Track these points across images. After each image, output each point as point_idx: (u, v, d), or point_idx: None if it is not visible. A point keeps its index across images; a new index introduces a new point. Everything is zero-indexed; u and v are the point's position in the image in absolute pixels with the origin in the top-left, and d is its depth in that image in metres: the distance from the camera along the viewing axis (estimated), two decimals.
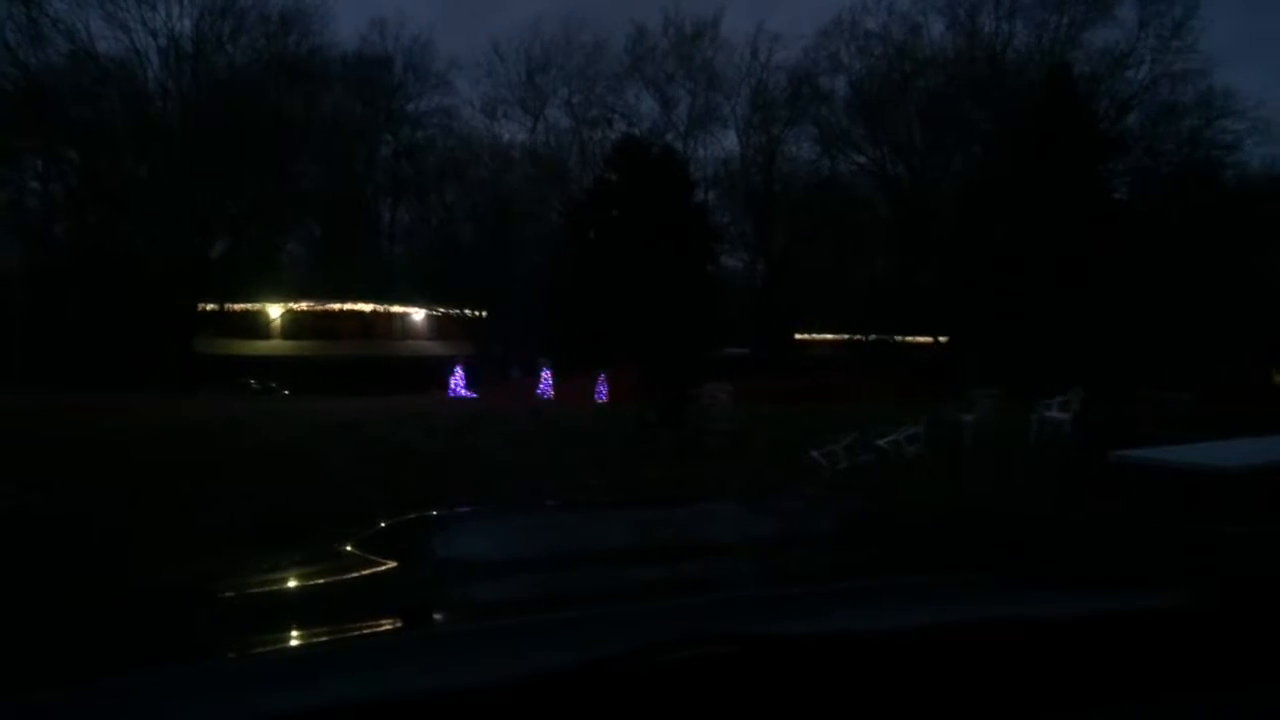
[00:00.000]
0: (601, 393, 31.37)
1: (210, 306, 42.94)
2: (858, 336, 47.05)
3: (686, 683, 1.01)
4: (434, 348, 43.76)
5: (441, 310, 46.16)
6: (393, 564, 1.66)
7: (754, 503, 2.95)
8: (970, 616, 1.18)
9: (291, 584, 1.69)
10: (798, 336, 51.03)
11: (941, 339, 43.56)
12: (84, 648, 1.26)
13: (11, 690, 1.03)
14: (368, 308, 43.29)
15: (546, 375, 33.81)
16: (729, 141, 54.07)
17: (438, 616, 1.45)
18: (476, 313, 46.51)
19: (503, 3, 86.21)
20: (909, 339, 45.36)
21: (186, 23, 44.43)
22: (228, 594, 1.62)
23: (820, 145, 49.95)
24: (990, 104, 42.82)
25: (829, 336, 50.53)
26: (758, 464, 12.92)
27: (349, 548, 1.77)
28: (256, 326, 43.21)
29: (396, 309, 44.66)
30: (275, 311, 43.18)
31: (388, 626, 1.30)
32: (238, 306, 43.09)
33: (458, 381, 35.26)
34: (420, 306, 45.61)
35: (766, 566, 1.72)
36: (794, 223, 51.37)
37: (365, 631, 1.26)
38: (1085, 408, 14.34)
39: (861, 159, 49.35)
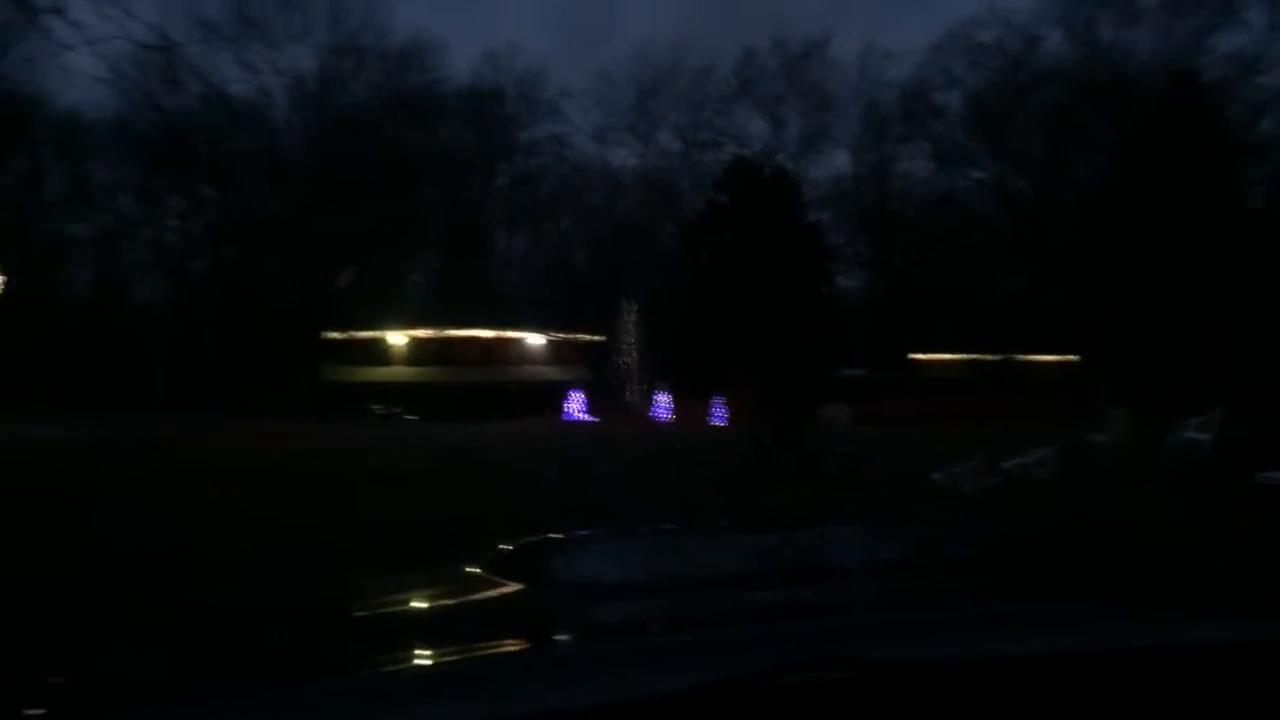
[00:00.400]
0: (718, 415, 31.31)
1: (336, 335, 44.34)
2: (979, 356, 45.81)
3: (806, 707, 1.01)
4: (551, 372, 44.20)
5: (558, 335, 46.70)
6: (516, 586, 1.70)
7: (874, 526, 2.90)
8: (1100, 643, 1.14)
9: (420, 604, 1.74)
10: (915, 356, 49.97)
11: (1069, 357, 42.11)
12: (218, 667, 1.32)
13: (159, 706, 1.09)
14: (486, 334, 43.96)
15: (664, 398, 33.90)
16: (841, 160, 53.47)
17: (561, 638, 1.48)
18: (593, 337, 46.93)
19: (611, 30, 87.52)
20: (1034, 357, 43.95)
21: (311, 63, 46.39)
22: (359, 614, 1.67)
23: (935, 161, 49.16)
24: (1113, 113, 41.47)
25: (948, 356, 49.30)
26: (878, 487, 12.71)
27: (474, 570, 1.81)
28: (380, 354, 44.29)
29: (514, 335, 45.23)
30: (398, 339, 44.26)
31: (513, 647, 1.33)
32: (362, 335, 44.35)
33: (576, 405, 35.62)
34: (537, 332, 46.18)
35: (888, 590, 1.70)
36: (909, 240, 50.51)
37: (491, 651, 1.29)
38: (1225, 428, 13.72)
39: (979, 174, 48.38)
